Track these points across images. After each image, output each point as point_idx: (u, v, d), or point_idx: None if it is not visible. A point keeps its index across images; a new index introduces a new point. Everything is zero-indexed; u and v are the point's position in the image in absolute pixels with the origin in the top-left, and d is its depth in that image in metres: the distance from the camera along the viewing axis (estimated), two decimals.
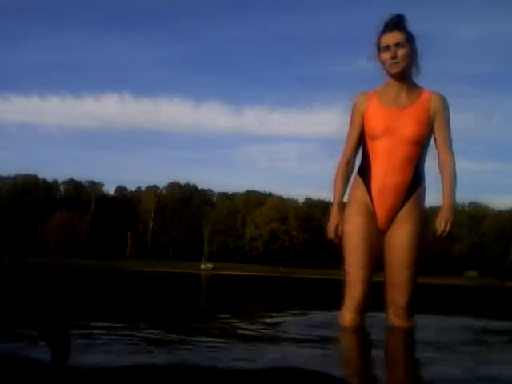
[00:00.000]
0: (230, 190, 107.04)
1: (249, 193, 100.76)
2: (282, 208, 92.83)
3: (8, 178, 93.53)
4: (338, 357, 2.54)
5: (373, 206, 3.16)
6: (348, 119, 3.30)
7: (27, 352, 1.98)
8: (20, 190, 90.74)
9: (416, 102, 3.17)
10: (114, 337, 2.64)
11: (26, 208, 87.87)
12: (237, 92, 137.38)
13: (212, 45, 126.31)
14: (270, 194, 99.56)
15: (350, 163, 3.27)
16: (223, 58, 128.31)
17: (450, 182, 3.19)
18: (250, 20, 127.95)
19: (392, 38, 3.14)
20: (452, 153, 3.22)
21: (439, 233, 3.12)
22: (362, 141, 3.25)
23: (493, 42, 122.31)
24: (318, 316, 4.14)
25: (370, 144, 3.19)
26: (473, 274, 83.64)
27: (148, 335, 2.80)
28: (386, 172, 3.13)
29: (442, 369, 2.18)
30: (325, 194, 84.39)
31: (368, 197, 3.16)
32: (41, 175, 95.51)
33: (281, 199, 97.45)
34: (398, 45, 3.13)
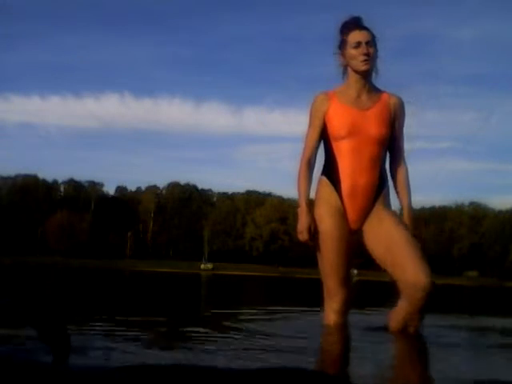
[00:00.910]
0: (229, 190, 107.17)
1: (249, 193, 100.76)
2: (281, 208, 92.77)
3: (8, 178, 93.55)
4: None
5: (343, 206, 3.13)
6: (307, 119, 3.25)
7: (27, 352, 1.98)
8: (20, 190, 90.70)
9: (377, 103, 3.18)
10: (114, 337, 2.64)
11: (26, 208, 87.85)
12: (237, 92, 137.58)
13: (212, 45, 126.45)
14: (269, 194, 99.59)
15: (310, 163, 3.23)
16: (223, 58, 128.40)
17: (407, 191, 3.23)
18: (250, 20, 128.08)
19: (362, 35, 3.14)
20: (404, 158, 3.26)
21: None
22: (323, 141, 3.22)
23: (492, 42, 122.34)
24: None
25: (334, 144, 3.16)
26: (473, 274, 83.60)
27: (148, 336, 2.80)
28: (354, 172, 3.10)
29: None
30: None
31: (337, 198, 3.14)
32: (41, 175, 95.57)
33: (281, 199, 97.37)
34: (367, 43, 3.14)
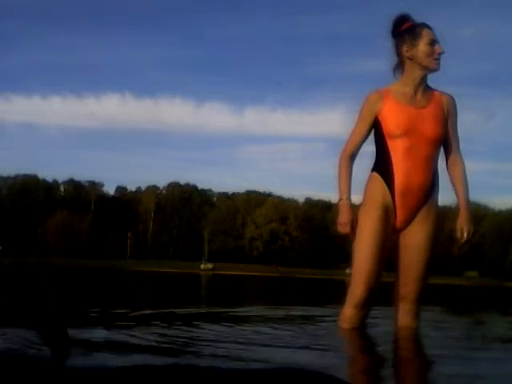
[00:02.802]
0: (229, 190, 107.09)
1: (249, 193, 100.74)
2: (282, 208, 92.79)
3: (8, 178, 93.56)
4: None
5: (394, 206, 3.09)
6: (354, 115, 3.20)
7: (27, 351, 1.98)
8: (20, 190, 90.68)
9: (431, 102, 3.14)
10: (114, 337, 2.64)
11: (25, 208, 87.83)
12: (238, 92, 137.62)
13: (213, 45, 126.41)
14: (269, 194, 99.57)
15: (352, 158, 3.20)
16: (224, 58, 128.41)
17: (464, 186, 3.24)
18: (250, 20, 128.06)
19: (434, 35, 3.12)
20: (461, 154, 3.25)
21: (460, 243, 3.20)
22: (376, 139, 3.16)
23: (494, 41, 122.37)
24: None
25: (389, 143, 3.09)
26: (473, 274, 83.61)
27: (149, 336, 2.80)
28: (409, 171, 3.06)
29: None
30: (325, 193, 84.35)
31: (389, 196, 3.09)
32: (41, 175, 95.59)
33: (281, 199, 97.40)
34: (439, 44, 3.13)
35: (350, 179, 3.18)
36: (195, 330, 3.11)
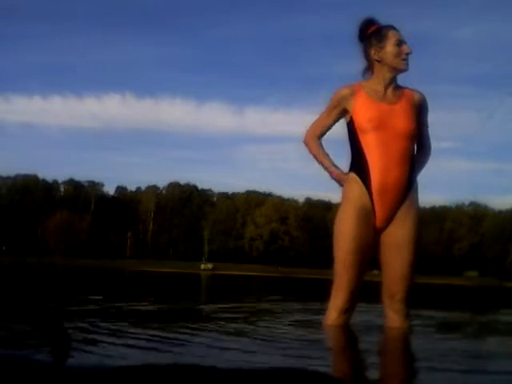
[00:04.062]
0: (229, 190, 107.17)
1: (249, 193, 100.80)
2: (282, 208, 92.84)
3: (8, 178, 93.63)
4: None
5: (372, 205, 3.06)
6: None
7: (26, 352, 1.98)
8: (20, 190, 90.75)
9: (403, 99, 3.15)
10: (115, 337, 2.64)
11: (26, 208, 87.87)
12: (239, 92, 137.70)
13: (214, 45, 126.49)
14: (270, 194, 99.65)
15: (318, 138, 3.24)
16: (225, 59, 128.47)
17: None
18: (251, 20, 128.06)
19: (401, 35, 3.14)
20: (429, 151, 3.28)
21: None
22: (350, 136, 3.16)
23: (493, 41, 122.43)
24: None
25: (361, 138, 3.10)
26: (473, 274, 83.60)
27: (148, 336, 2.80)
28: (385, 168, 3.04)
29: None
30: (325, 193, 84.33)
31: (367, 195, 3.06)
32: (41, 175, 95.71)
33: (281, 199, 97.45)
34: (406, 44, 3.15)
35: (325, 152, 3.24)
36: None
